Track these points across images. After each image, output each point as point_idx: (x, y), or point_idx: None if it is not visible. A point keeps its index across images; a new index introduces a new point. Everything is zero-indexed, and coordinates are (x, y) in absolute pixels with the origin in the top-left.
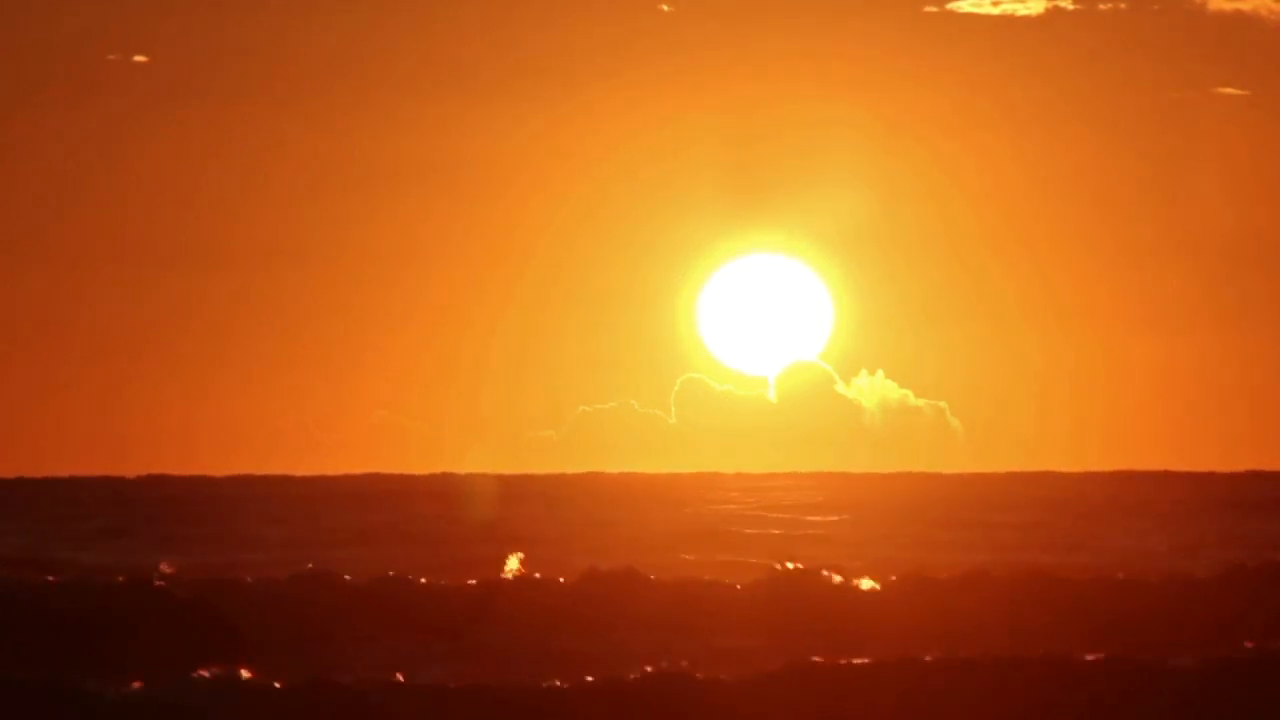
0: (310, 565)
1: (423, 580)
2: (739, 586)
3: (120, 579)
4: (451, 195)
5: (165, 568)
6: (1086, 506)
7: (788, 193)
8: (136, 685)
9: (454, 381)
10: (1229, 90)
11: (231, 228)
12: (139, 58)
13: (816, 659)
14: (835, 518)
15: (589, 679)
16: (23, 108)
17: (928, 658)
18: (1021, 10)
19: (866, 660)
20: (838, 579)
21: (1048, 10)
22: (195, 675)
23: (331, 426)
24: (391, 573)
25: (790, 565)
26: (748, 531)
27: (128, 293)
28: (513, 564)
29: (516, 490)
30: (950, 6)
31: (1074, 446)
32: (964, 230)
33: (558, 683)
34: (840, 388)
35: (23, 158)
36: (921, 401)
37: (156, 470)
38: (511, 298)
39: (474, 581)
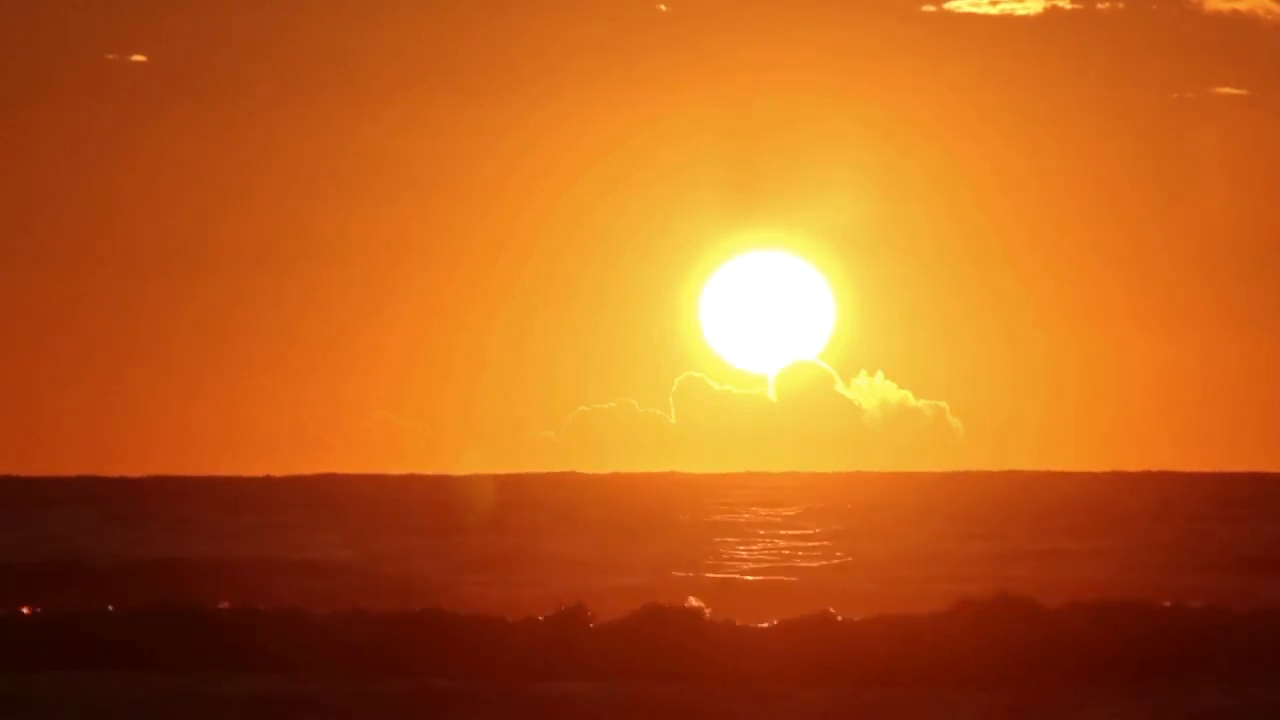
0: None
1: None
2: None
3: None
4: (451, 194)
5: None
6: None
7: (785, 191)
8: None
9: (453, 382)
10: (1228, 90)
11: (231, 227)
12: (137, 57)
13: None
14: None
15: None
16: (21, 106)
17: None
18: (1020, 10)
19: None
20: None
21: (1046, 10)
22: None
23: (331, 427)
24: None
25: None
26: None
27: (126, 292)
28: None
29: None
30: (948, 6)
31: (1074, 447)
32: (962, 230)
33: None
34: (840, 388)
35: (21, 156)
36: (922, 402)
37: (154, 471)
38: (511, 298)
39: None
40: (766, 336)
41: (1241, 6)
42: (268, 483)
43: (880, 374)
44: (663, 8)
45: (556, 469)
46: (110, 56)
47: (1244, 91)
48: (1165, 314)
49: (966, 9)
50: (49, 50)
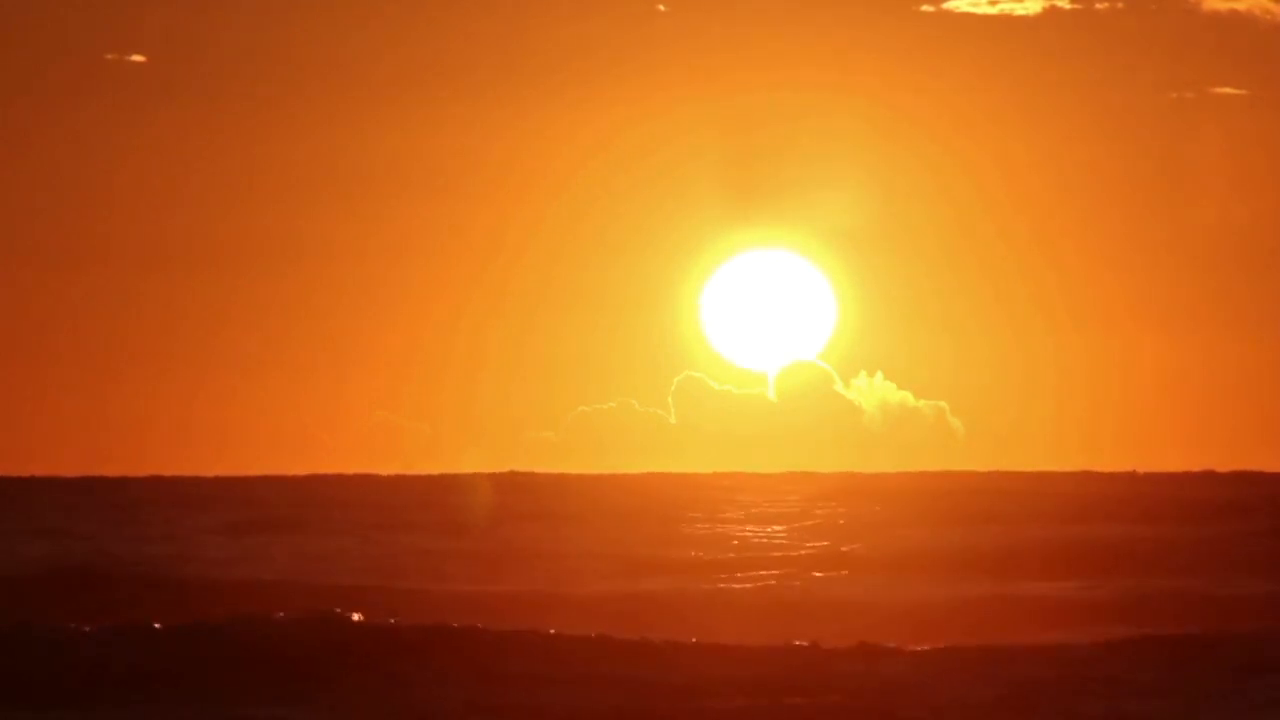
0: None
1: None
2: None
3: None
4: (449, 194)
5: None
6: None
7: (785, 190)
8: None
9: (453, 382)
10: (1227, 90)
11: (230, 227)
12: (136, 57)
13: None
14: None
15: None
16: (20, 106)
17: None
18: (1019, 10)
19: None
20: None
21: (1045, 10)
22: None
23: (330, 427)
24: None
25: None
26: None
27: (126, 292)
28: None
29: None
30: (946, 6)
31: (1076, 447)
32: (962, 230)
33: None
34: (840, 388)
35: (19, 156)
36: (922, 402)
37: (155, 471)
38: (509, 297)
39: None
40: (766, 336)
41: (1240, 6)
42: (266, 482)
43: (880, 374)
44: (661, 7)
45: (556, 469)
46: (110, 56)
47: (1243, 91)
48: (1165, 314)
49: (965, 9)
50: (49, 50)
